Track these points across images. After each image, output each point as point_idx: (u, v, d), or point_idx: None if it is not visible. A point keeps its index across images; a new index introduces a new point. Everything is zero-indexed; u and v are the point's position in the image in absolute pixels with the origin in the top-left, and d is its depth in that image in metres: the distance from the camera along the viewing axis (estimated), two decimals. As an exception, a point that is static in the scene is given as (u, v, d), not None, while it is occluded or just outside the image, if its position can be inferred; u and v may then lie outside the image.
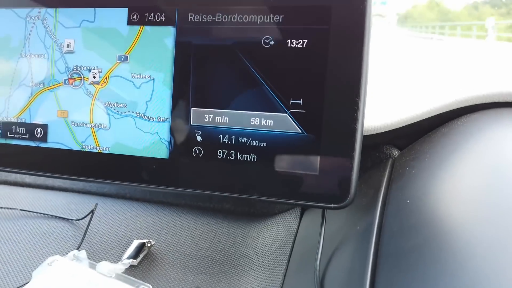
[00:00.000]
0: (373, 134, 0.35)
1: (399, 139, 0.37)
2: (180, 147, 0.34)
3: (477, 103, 0.33)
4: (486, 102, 0.33)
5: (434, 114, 0.33)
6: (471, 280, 0.18)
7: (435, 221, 0.23)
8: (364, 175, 0.37)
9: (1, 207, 0.50)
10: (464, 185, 0.25)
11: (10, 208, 0.50)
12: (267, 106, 0.32)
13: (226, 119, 0.33)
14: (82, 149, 0.37)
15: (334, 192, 0.30)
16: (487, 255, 0.19)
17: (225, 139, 0.33)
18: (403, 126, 0.34)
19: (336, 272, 0.28)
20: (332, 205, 0.30)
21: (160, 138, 0.35)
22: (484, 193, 0.24)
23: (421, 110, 0.33)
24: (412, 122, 0.34)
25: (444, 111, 0.33)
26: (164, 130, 0.34)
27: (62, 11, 0.37)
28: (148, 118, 0.35)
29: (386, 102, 0.35)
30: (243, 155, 0.33)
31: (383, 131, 0.35)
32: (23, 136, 0.38)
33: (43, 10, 0.37)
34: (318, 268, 0.29)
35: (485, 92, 0.33)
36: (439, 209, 0.24)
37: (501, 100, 0.33)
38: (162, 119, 0.34)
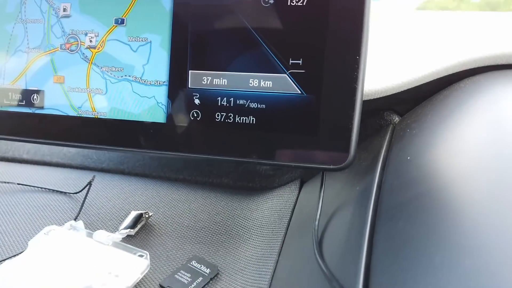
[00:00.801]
0: (373, 99, 0.34)
1: (400, 105, 0.36)
2: (178, 110, 0.34)
3: (480, 65, 0.32)
4: (489, 64, 0.32)
5: (436, 77, 0.33)
6: (473, 227, 0.17)
7: (436, 173, 0.23)
8: (364, 142, 0.37)
9: (-1, 181, 0.50)
10: (465, 140, 0.25)
11: (8, 182, 0.50)
12: (266, 67, 0.32)
13: (225, 81, 0.33)
14: (78, 115, 0.36)
15: (334, 153, 0.30)
16: (487, 203, 0.18)
17: (224, 102, 0.33)
18: (404, 91, 0.34)
19: (336, 230, 0.27)
20: (332, 166, 0.30)
21: (157, 102, 0.34)
22: (484, 147, 0.23)
23: (423, 73, 0.33)
24: (414, 85, 0.33)
25: (446, 74, 0.33)
26: (161, 94, 0.34)
27: (59, -26, 0.36)
28: (145, 81, 0.34)
29: (387, 66, 0.34)
30: (241, 118, 0.32)
31: (384, 95, 0.34)
32: (19, 103, 0.38)
33: (39, -27, 0.37)
34: (316, 228, 0.29)
35: (488, 53, 0.32)
36: (439, 163, 0.24)
37: (504, 62, 0.32)
38: (159, 83, 0.34)
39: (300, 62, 0.31)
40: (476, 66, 0.33)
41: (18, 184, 0.50)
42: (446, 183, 0.21)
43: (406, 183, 0.24)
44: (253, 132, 0.32)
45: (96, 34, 0.35)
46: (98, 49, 0.35)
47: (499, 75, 0.31)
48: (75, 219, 0.43)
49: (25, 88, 0.38)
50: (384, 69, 0.35)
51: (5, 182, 0.50)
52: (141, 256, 0.36)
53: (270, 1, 0.31)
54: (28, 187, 0.49)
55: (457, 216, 0.18)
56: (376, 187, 0.27)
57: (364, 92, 0.34)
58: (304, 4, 0.30)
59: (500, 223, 0.17)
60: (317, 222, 0.29)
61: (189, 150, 0.34)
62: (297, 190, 0.43)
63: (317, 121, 0.30)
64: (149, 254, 0.36)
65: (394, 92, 0.34)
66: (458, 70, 0.32)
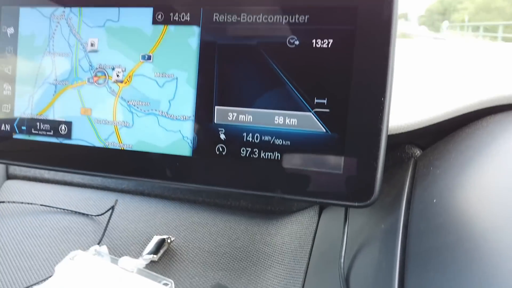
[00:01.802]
0: (395, 134, 0.35)
1: (421, 139, 0.37)
2: (204, 145, 0.35)
3: (501, 104, 0.33)
4: (509, 103, 0.33)
5: (457, 115, 0.33)
6: (506, 281, 0.18)
7: (465, 221, 0.23)
8: (385, 174, 0.37)
9: (22, 202, 0.51)
10: (491, 185, 0.25)
11: (31, 203, 0.51)
12: (291, 105, 0.32)
13: (250, 118, 0.33)
14: (105, 146, 0.37)
15: (358, 190, 0.31)
16: None
17: (249, 137, 0.33)
18: (426, 126, 0.34)
19: (362, 270, 0.28)
20: (356, 204, 0.31)
21: (183, 136, 0.35)
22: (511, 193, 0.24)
23: (445, 110, 0.33)
24: (436, 122, 0.34)
25: (467, 111, 0.33)
26: (187, 128, 0.35)
27: (87, 10, 0.37)
28: (171, 116, 0.35)
29: (408, 101, 0.35)
30: (266, 154, 0.33)
31: (406, 130, 0.35)
32: (47, 133, 0.39)
33: (67, 9, 0.38)
34: (342, 266, 0.30)
35: (508, 93, 0.33)
36: (467, 209, 0.24)
37: (525, 100, 0.33)
38: (185, 118, 0.35)
39: (325, 101, 0.32)
40: (496, 104, 0.33)
41: (41, 205, 0.51)
42: (476, 233, 0.22)
43: (435, 229, 0.25)
44: (278, 168, 0.33)
45: (123, 69, 0.36)
46: (125, 83, 0.36)
47: None
48: (98, 244, 0.44)
49: (52, 118, 0.39)
50: (406, 103, 0.36)
51: (29, 203, 0.51)
52: (165, 284, 0.37)
53: (295, 43, 0.32)
54: (52, 208, 0.50)
55: (489, 270, 0.19)
56: (402, 228, 0.27)
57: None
58: (329, 46, 0.31)
59: None
60: (342, 260, 0.30)
61: (214, 184, 0.35)
62: (317, 217, 0.44)
63: (341, 159, 0.31)
64: (173, 282, 0.37)
65: (416, 128, 0.34)
66: (479, 108, 0.33)
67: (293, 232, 0.43)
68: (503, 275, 0.18)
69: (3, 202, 0.51)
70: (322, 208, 0.45)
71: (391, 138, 0.36)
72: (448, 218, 0.24)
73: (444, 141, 0.34)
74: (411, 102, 0.35)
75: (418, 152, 0.37)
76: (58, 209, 0.50)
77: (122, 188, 0.54)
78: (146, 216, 0.48)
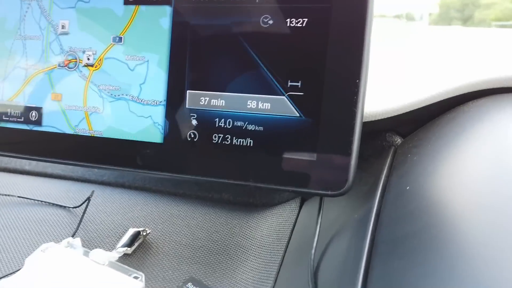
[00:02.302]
0: (375, 121, 0.34)
1: (402, 126, 0.35)
2: (175, 131, 0.33)
3: (484, 88, 0.31)
4: (494, 87, 0.31)
5: (439, 100, 0.32)
6: (471, 267, 0.16)
7: (435, 207, 0.22)
8: (365, 163, 0.36)
9: (0, 194, 0.50)
10: (467, 172, 0.24)
11: (8, 195, 0.50)
12: (265, 89, 0.31)
13: (222, 102, 0.32)
14: (75, 133, 0.36)
15: (332, 178, 0.29)
16: (488, 242, 0.17)
17: (221, 123, 0.32)
18: (406, 112, 0.33)
19: (331, 262, 0.26)
20: (330, 192, 0.29)
21: (154, 122, 0.34)
22: (486, 180, 0.22)
23: (425, 95, 0.32)
24: (416, 107, 0.32)
25: (450, 96, 0.32)
26: (158, 114, 0.33)
27: (58, -9, 0.36)
28: (142, 101, 0.34)
29: (389, 87, 0.34)
30: (239, 140, 0.32)
31: (385, 117, 0.33)
32: (18, 119, 0.38)
33: (38, -10, 0.37)
34: (313, 257, 0.28)
35: (492, 76, 0.31)
36: (439, 195, 0.23)
37: (510, 85, 0.31)
38: (156, 102, 0.33)
39: (299, 84, 0.30)
40: (480, 89, 0.32)
41: (18, 197, 0.49)
42: (444, 221, 0.20)
43: (405, 216, 0.23)
44: (251, 155, 0.31)
45: (94, 52, 0.35)
46: (95, 67, 0.35)
47: (503, 99, 0.30)
48: (72, 236, 0.43)
49: (23, 104, 0.37)
50: (387, 88, 0.34)
51: (6, 195, 0.50)
52: (136, 277, 0.35)
53: (269, 22, 0.31)
54: (29, 200, 0.49)
55: (454, 258, 0.18)
56: (374, 217, 0.26)
57: (365, 113, 0.34)
58: (303, 25, 0.30)
59: (500, 266, 0.16)
60: (313, 251, 0.28)
61: (185, 172, 0.33)
62: (297, 209, 0.42)
63: (315, 145, 0.30)
64: (145, 275, 0.35)
65: (395, 114, 0.33)
66: (461, 93, 0.31)
67: (272, 225, 0.42)
68: (468, 261, 0.17)
69: (-21, 193, 0.50)
70: (303, 201, 0.44)
71: (371, 125, 0.34)
72: (419, 205, 0.23)
73: (424, 128, 0.33)
74: (392, 87, 0.34)
75: (399, 140, 0.35)
76: (36, 201, 0.49)
77: (102, 180, 0.52)
78: (125, 209, 0.47)
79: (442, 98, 0.32)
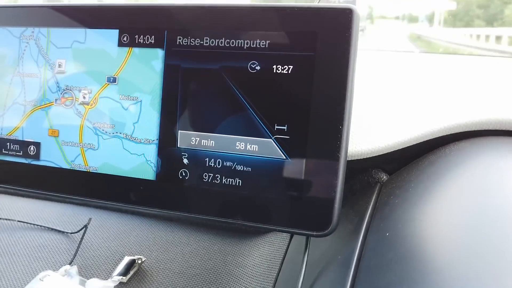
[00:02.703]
0: (360, 159, 0.35)
1: (387, 164, 0.36)
2: (167, 169, 0.34)
3: (465, 130, 0.32)
4: (475, 129, 0.32)
5: (420, 141, 0.33)
6: None
7: (414, 257, 0.23)
8: (351, 198, 0.37)
9: (1, 218, 0.51)
10: (444, 220, 0.25)
11: (9, 219, 0.51)
12: (252, 131, 0.32)
13: (212, 143, 0.33)
14: (71, 168, 0.37)
15: (317, 219, 0.30)
16: None
17: (211, 163, 0.33)
18: (390, 152, 0.34)
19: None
20: (315, 233, 0.30)
21: (147, 160, 0.35)
22: (463, 230, 0.23)
23: (408, 137, 0.33)
24: (399, 148, 0.33)
25: (431, 137, 0.33)
26: (151, 152, 0.35)
27: (55, 31, 0.37)
28: (135, 139, 0.35)
29: (378, 123, 0.35)
30: (228, 179, 0.33)
31: (371, 156, 0.34)
32: (16, 153, 0.39)
33: (36, 29, 0.38)
34: (298, 297, 0.29)
35: (473, 119, 0.32)
36: (418, 244, 0.24)
37: (491, 128, 0.32)
38: (149, 141, 0.35)
39: (285, 128, 0.31)
40: (461, 131, 0.32)
41: (18, 221, 0.51)
42: (419, 272, 0.21)
43: (383, 265, 0.24)
44: (239, 194, 0.32)
45: (90, 91, 0.36)
46: (91, 105, 0.36)
47: (481, 142, 0.31)
48: (70, 263, 0.44)
49: (22, 139, 0.39)
50: (373, 126, 0.35)
51: (6, 219, 0.51)
52: (130, 308, 0.36)
53: (256, 68, 0.32)
54: (28, 224, 0.50)
55: None
56: (355, 262, 0.27)
57: (351, 153, 0.35)
58: (289, 72, 0.31)
59: None
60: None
61: (177, 208, 0.34)
62: (289, 238, 0.43)
63: (300, 187, 0.31)
64: (139, 305, 0.36)
65: (380, 153, 0.34)
66: (442, 135, 0.32)
67: (264, 253, 0.43)
68: None
69: (-19, 217, 0.52)
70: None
71: (358, 162, 0.35)
72: (396, 255, 0.24)
73: (407, 168, 0.34)
74: (380, 123, 0.35)
75: (384, 177, 0.36)
76: (35, 226, 0.50)
77: (99, 205, 0.54)
78: (121, 234, 0.48)
79: (423, 140, 0.33)
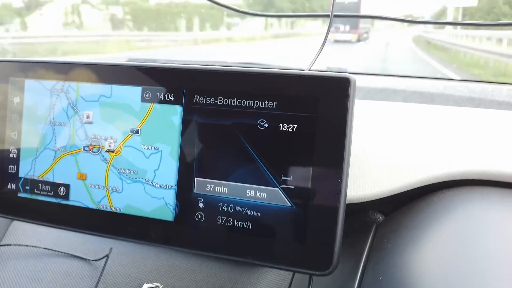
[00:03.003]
0: (360, 202, 0.39)
1: (382, 206, 0.40)
2: (184, 212, 0.38)
3: (451, 179, 0.36)
4: (460, 179, 0.36)
5: (411, 188, 0.37)
6: None
7: None
8: (351, 237, 0.41)
9: (27, 245, 0.56)
10: (430, 266, 0.29)
11: (35, 247, 0.55)
12: (261, 180, 0.36)
13: (225, 190, 0.37)
14: (97, 208, 0.41)
15: (318, 260, 0.34)
16: None
17: (224, 207, 0.37)
18: (385, 197, 0.38)
19: None
20: (317, 272, 0.34)
21: (166, 203, 0.39)
22: (446, 274, 0.27)
23: (400, 184, 0.37)
24: (393, 193, 0.37)
25: (419, 186, 0.37)
26: (170, 196, 0.39)
27: (83, 85, 0.42)
28: (155, 184, 0.39)
29: (374, 171, 0.38)
30: (239, 223, 0.37)
31: (368, 200, 0.38)
32: (48, 193, 0.43)
33: (66, 83, 0.42)
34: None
35: (458, 170, 0.36)
36: None
37: (475, 178, 0.36)
38: (168, 186, 0.39)
39: (290, 179, 0.35)
40: (447, 180, 0.36)
41: (44, 248, 0.55)
42: None
43: (375, 308, 0.28)
44: (249, 236, 0.36)
45: (115, 140, 0.40)
46: (116, 153, 0.40)
47: (466, 191, 0.35)
48: (94, 290, 0.48)
49: (52, 181, 0.43)
50: (370, 174, 0.39)
51: (33, 246, 0.55)
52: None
53: (265, 125, 0.36)
54: (53, 251, 0.55)
55: None
56: None
57: (350, 197, 0.39)
58: (294, 130, 0.35)
59: None
60: None
61: (192, 247, 0.38)
62: (293, 269, 0.47)
63: (304, 232, 0.35)
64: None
65: (376, 198, 0.38)
66: (430, 183, 0.36)
67: (271, 282, 0.47)
68: None
69: (10, 245, 0.56)
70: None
71: (356, 204, 0.39)
72: None
73: (400, 212, 0.38)
74: (376, 171, 0.38)
75: (380, 218, 0.40)
76: (60, 253, 0.54)
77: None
78: (138, 262, 0.52)
79: (413, 187, 0.37)
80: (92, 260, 0.53)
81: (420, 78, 0.87)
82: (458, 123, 0.44)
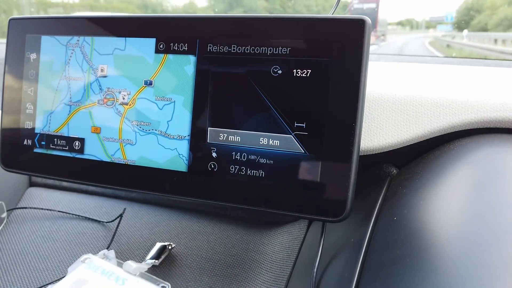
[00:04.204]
0: (374, 154, 0.38)
1: (397, 158, 0.40)
2: (197, 162, 0.38)
3: (469, 128, 0.36)
4: (479, 127, 0.35)
5: (426, 139, 0.36)
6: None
7: (417, 236, 0.26)
8: (364, 190, 0.40)
9: (42, 208, 0.56)
10: (447, 205, 0.28)
11: (50, 210, 0.56)
12: (274, 128, 0.36)
13: (238, 138, 0.37)
14: (111, 161, 0.41)
15: (332, 207, 0.34)
16: (463, 270, 0.22)
17: (237, 156, 0.37)
18: (399, 148, 0.37)
19: (329, 280, 0.31)
20: (330, 219, 0.34)
21: (179, 154, 0.39)
22: (462, 214, 0.27)
23: (415, 134, 0.36)
24: (407, 144, 0.37)
25: (436, 135, 0.36)
26: (183, 147, 0.39)
27: (98, 39, 0.42)
28: (169, 136, 0.39)
29: (388, 121, 0.38)
30: (252, 171, 0.37)
31: (382, 151, 0.38)
32: (63, 148, 0.44)
33: (81, 38, 0.43)
34: (315, 275, 0.33)
35: (474, 118, 0.35)
36: (421, 226, 0.27)
37: (492, 126, 0.35)
38: (181, 137, 0.39)
39: (304, 125, 0.35)
40: (464, 129, 0.36)
41: (59, 211, 0.56)
42: (423, 248, 0.25)
43: (390, 244, 0.28)
44: (262, 184, 0.36)
45: (128, 93, 0.41)
46: (129, 105, 0.41)
47: (483, 139, 0.34)
48: (107, 248, 0.48)
49: (67, 135, 0.43)
50: (384, 124, 0.39)
51: (48, 209, 0.56)
52: (163, 287, 0.41)
53: (278, 72, 0.36)
54: (67, 214, 0.55)
55: (432, 281, 0.22)
56: (366, 242, 0.30)
57: (364, 148, 0.38)
58: (308, 75, 0.35)
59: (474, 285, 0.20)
60: (315, 269, 0.33)
61: (206, 197, 0.38)
62: (306, 228, 0.47)
63: (317, 178, 0.34)
64: (171, 285, 0.41)
65: (390, 149, 0.37)
66: (445, 133, 0.36)
67: (283, 242, 0.47)
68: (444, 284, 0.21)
69: (26, 208, 0.57)
70: (311, 221, 0.48)
71: (370, 157, 0.39)
72: (402, 234, 0.27)
73: (415, 162, 0.37)
74: (389, 122, 0.38)
75: (394, 170, 0.40)
76: (74, 215, 0.55)
77: (131, 197, 0.58)
78: (151, 224, 0.52)
79: (429, 137, 0.36)
80: (106, 222, 0.53)
81: (434, 57, 0.85)
82: (473, 76, 0.43)
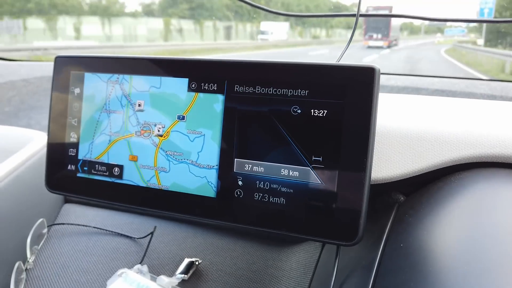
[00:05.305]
0: (381, 183, 0.42)
1: (405, 187, 0.44)
2: (225, 189, 0.43)
3: (469, 161, 0.40)
4: (478, 161, 0.40)
5: (429, 170, 0.40)
6: None
7: (420, 263, 0.31)
8: (374, 216, 0.44)
9: (79, 224, 0.62)
10: (447, 235, 0.32)
11: (86, 226, 0.61)
12: (294, 161, 0.40)
13: (262, 169, 0.42)
14: (147, 186, 0.46)
15: (346, 232, 0.38)
16: None
17: (261, 185, 0.42)
18: (406, 178, 0.41)
19: (343, 298, 0.35)
20: (344, 243, 0.38)
21: (208, 181, 0.44)
22: (460, 242, 0.31)
23: (420, 166, 0.40)
24: (413, 175, 0.41)
25: (439, 167, 0.40)
26: (212, 175, 0.44)
27: (136, 77, 0.47)
28: (199, 165, 0.44)
29: (397, 153, 0.42)
30: (274, 198, 0.41)
31: (390, 181, 0.42)
32: (103, 173, 0.49)
33: (121, 76, 0.48)
34: (330, 294, 0.37)
35: (476, 152, 0.39)
36: (424, 254, 0.31)
37: (492, 160, 0.39)
38: (210, 166, 0.44)
39: (320, 159, 0.39)
40: (464, 162, 0.40)
41: (94, 227, 0.61)
42: (426, 274, 0.29)
43: (397, 269, 0.32)
44: (283, 211, 0.41)
45: (163, 126, 0.46)
46: (164, 137, 0.46)
47: (483, 173, 0.38)
48: (140, 263, 0.53)
49: (107, 162, 0.49)
50: (393, 156, 0.43)
51: (84, 225, 0.61)
52: (193, 300, 0.45)
53: (298, 111, 0.40)
54: (102, 230, 0.60)
55: None
56: (376, 267, 0.35)
57: (374, 178, 0.43)
58: (324, 115, 0.39)
59: None
60: None
61: (232, 220, 0.43)
62: (321, 246, 0.51)
63: (332, 206, 0.39)
64: (199, 298, 0.45)
65: (398, 179, 0.41)
66: (448, 165, 0.40)
67: (300, 259, 0.51)
68: None
69: (64, 224, 0.62)
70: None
71: (380, 186, 0.43)
72: (407, 261, 0.32)
73: (420, 192, 0.41)
74: (397, 154, 0.42)
75: (402, 198, 0.44)
76: (108, 231, 0.60)
77: (158, 214, 0.63)
78: (178, 240, 0.57)
79: (432, 169, 0.40)
80: (137, 238, 0.58)
81: (442, 78, 0.89)
82: (475, 112, 0.47)
